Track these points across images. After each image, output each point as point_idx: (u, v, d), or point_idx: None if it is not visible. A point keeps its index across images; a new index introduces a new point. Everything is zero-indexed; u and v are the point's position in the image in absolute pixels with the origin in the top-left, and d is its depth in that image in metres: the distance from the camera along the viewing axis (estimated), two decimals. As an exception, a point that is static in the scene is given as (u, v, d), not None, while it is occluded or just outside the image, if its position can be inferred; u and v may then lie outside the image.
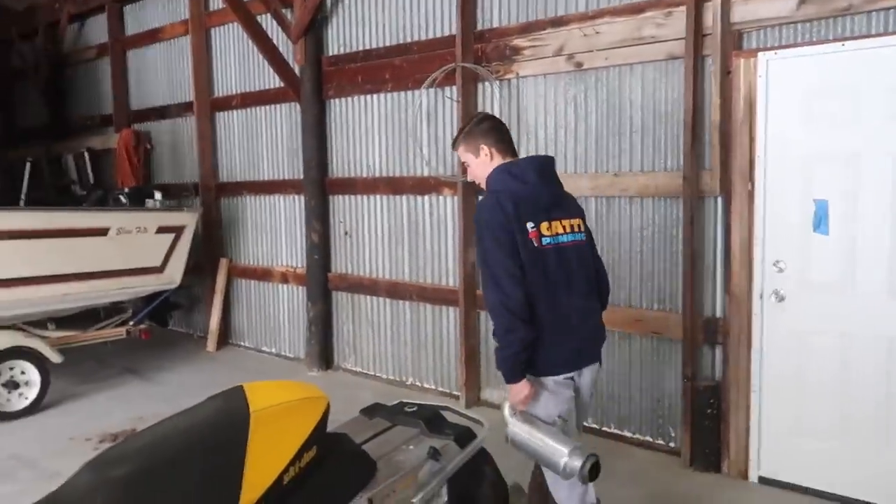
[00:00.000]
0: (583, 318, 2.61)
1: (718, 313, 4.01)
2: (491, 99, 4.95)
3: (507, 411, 2.47)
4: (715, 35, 3.83)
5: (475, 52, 4.93)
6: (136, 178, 7.72)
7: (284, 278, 6.72)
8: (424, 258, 5.55)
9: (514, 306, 2.38)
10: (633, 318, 4.34)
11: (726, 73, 3.82)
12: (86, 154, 8.40)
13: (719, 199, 3.93)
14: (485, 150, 2.68)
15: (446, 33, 5.15)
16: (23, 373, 5.23)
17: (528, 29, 4.65)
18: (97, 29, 8.62)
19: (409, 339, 5.73)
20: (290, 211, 6.63)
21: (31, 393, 5.26)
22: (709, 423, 3.97)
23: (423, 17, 5.30)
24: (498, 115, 4.81)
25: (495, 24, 4.87)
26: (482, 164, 2.69)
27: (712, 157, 3.93)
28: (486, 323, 5.20)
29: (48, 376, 5.34)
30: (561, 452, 2.27)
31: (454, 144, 2.82)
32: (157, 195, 6.67)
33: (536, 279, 2.45)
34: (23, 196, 7.18)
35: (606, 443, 4.45)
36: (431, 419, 2.39)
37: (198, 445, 1.72)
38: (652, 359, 4.35)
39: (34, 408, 5.26)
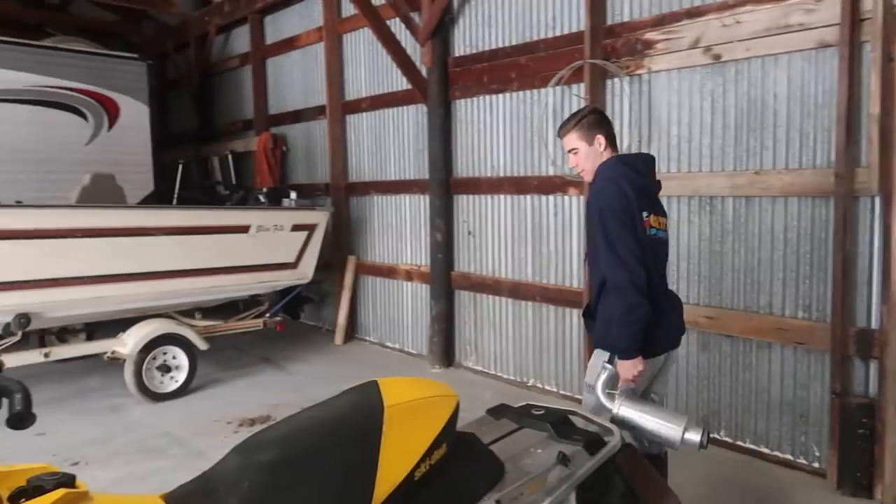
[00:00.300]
0: (672, 306, 2.85)
1: (874, 324, 3.66)
2: (620, 95, 4.81)
3: (601, 389, 2.52)
4: (875, 19, 3.50)
5: (604, 48, 4.80)
6: (272, 179, 8.21)
7: (409, 276, 6.88)
8: (548, 258, 5.48)
9: (641, 284, 2.56)
10: (773, 327, 4.06)
11: (888, 60, 3.47)
12: (229, 156, 9.03)
13: (877, 199, 3.59)
14: (600, 139, 2.79)
15: (574, 30, 5.06)
16: (174, 357, 5.69)
17: (661, 21, 4.46)
18: (240, 39, 9.24)
19: (531, 339, 5.69)
20: (415, 210, 6.77)
21: (181, 376, 5.71)
22: (860, 443, 3.63)
23: (551, 14, 5.23)
24: (628, 112, 4.70)
25: (626, 18, 4.72)
26: (594, 153, 2.79)
27: (870, 153, 3.59)
28: (611, 326, 5.05)
29: (195, 361, 5.78)
30: (677, 427, 2.35)
31: (562, 131, 2.81)
32: (293, 195, 7.03)
33: (645, 264, 2.63)
34: (175, 195, 7.80)
35: (740, 458, 4.20)
36: (560, 423, 2.34)
37: (336, 437, 1.78)
38: (794, 371, 4.04)
39: (182, 390, 5.71)
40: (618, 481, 2.34)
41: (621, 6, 4.75)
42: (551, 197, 5.39)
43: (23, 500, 1.34)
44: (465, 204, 6.19)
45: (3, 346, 4.99)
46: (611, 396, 2.50)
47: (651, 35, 4.52)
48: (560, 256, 5.39)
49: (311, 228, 6.51)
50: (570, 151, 2.84)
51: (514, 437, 2.34)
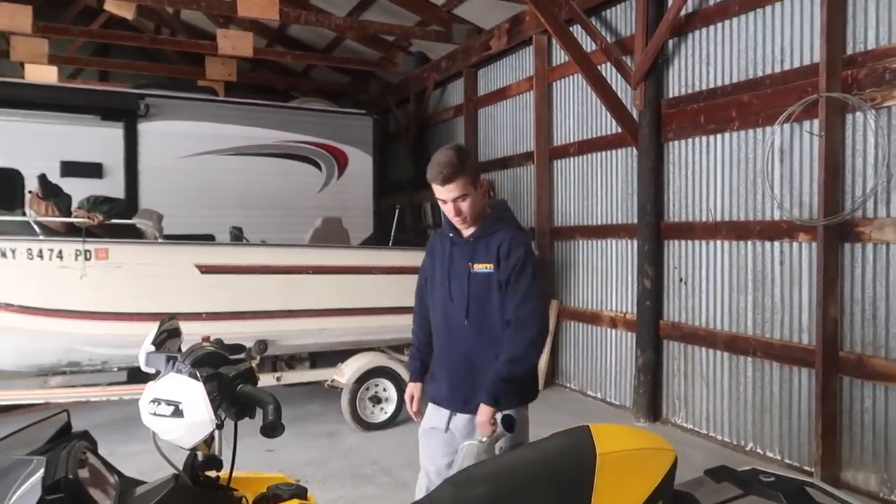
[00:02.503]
0: None
1: None
2: (864, 131, 4.30)
3: (499, 446, 2.46)
4: None
5: (843, 80, 4.35)
6: (480, 223, 8.47)
7: (613, 323, 6.66)
8: (772, 311, 4.99)
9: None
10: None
11: None
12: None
13: None
14: (483, 182, 2.70)
15: (806, 62, 4.66)
16: (384, 390, 6.02)
17: (916, 47, 3.95)
18: (455, 93, 9.80)
19: (750, 399, 5.18)
20: (621, 255, 6.58)
21: (390, 408, 6.01)
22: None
23: (779, 48, 4.87)
24: (873, 150, 4.20)
25: (870, 46, 4.25)
26: (480, 197, 2.65)
27: None
28: (849, 390, 4.46)
29: (403, 395, 6.05)
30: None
31: (449, 176, 2.51)
32: (499, 238, 7.18)
33: None
34: (391, 237, 8.37)
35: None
36: (796, 495, 2.08)
37: (547, 480, 1.74)
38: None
39: (391, 421, 6.00)
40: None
41: (864, 34, 4.29)
42: (777, 243, 4.93)
43: None
44: (676, 249, 5.88)
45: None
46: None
47: (903, 63, 4.01)
48: (786, 309, 4.89)
49: (516, 271, 6.59)
50: (455, 200, 2.55)
51: (739, 503, 2.12)
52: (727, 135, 5.31)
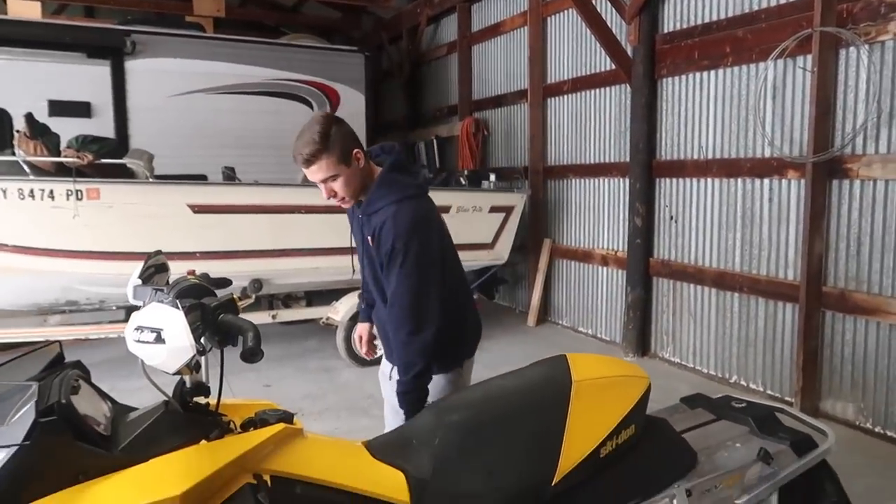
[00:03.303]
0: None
1: None
2: (856, 66, 4.27)
3: None
4: None
5: (838, 14, 4.28)
6: (473, 162, 8.46)
7: (604, 261, 6.73)
8: (759, 247, 5.05)
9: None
10: None
11: None
12: (434, 141, 9.46)
13: None
14: (359, 154, 2.24)
15: (801, -4, 4.57)
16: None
17: (913, -21, 3.88)
18: (448, 29, 9.59)
19: (735, 333, 5.30)
20: (613, 194, 6.60)
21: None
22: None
23: (775, -20, 4.78)
24: (864, 85, 4.18)
25: (867, -21, 4.17)
26: (355, 172, 2.24)
27: None
28: (831, 324, 4.56)
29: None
30: None
31: (310, 160, 2.15)
32: (492, 177, 7.20)
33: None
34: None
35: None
36: (764, 419, 2.18)
37: (523, 406, 1.83)
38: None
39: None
40: (830, 489, 2.13)
41: (861, -35, 4.20)
42: (766, 181, 4.95)
43: (251, 428, 1.55)
44: (667, 187, 5.90)
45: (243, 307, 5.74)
46: None
47: (898, -5, 3.95)
48: (773, 245, 4.95)
49: (508, 210, 6.63)
50: (324, 182, 2.21)
51: (710, 427, 2.23)
52: (720, 71, 5.25)
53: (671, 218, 5.87)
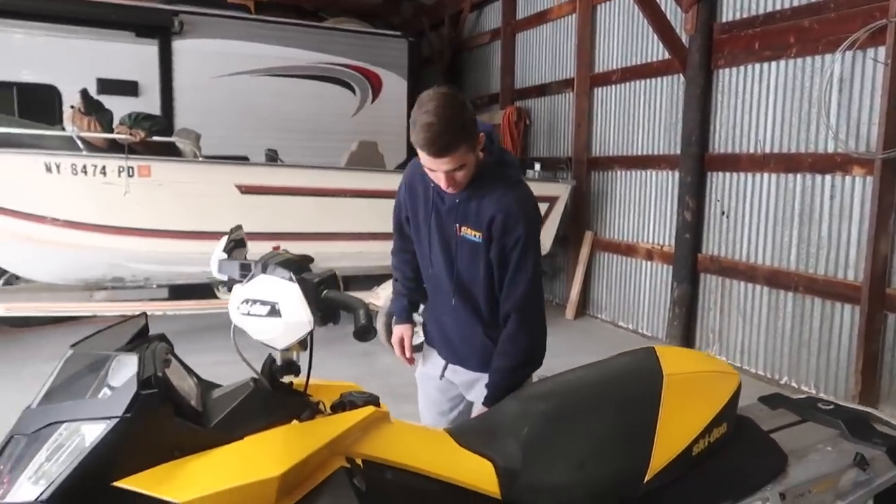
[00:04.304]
0: None
1: None
2: (933, 60, 4.09)
3: None
4: None
5: (915, 4, 4.11)
6: (515, 151, 8.35)
7: (649, 255, 6.60)
8: (818, 246, 4.89)
9: None
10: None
11: None
12: (475, 129, 9.36)
13: None
14: (482, 138, 2.03)
15: (876, -16, 4.39)
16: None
17: None
18: (492, 16, 9.47)
19: (788, 334, 5.15)
20: (661, 187, 6.45)
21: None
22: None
23: (847, -32, 4.59)
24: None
25: (950, -33, 3.98)
26: (477, 157, 2.04)
27: None
28: (894, 327, 4.40)
29: (437, 321, 6.12)
30: None
31: (444, 150, 1.90)
32: (537, 166, 7.09)
33: None
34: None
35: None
36: (856, 422, 2.07)
37: (614, 397, 1.75)
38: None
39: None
40: (925, 499, 2.01)
41: (944, -47, 4.01)
42: (828, 177, 4.79)
43: (340, 410, 1.50)
44: (719, 182, 5.74)
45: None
46: None
47: None
48: (833, 244, 4.79)
49: (551, 201, 6.52)
50: (450, 172, 1.97)
51: (797, 429, 2.13)
52: (783, 62, 5.08)
53: (722, 213, 5.72)
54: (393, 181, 5.79)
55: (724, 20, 5.60)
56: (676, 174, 6.05)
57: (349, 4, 12.61)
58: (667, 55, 6.01)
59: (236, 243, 1.77)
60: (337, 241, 5.48)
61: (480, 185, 2.08)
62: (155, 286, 5.82)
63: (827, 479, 1.89)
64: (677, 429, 1.73)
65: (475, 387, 2.31)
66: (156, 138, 4.99)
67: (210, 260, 1.67)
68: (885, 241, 4.34)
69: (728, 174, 5.64)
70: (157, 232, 4.97)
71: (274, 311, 1.22)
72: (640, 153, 6.72)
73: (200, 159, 5.16)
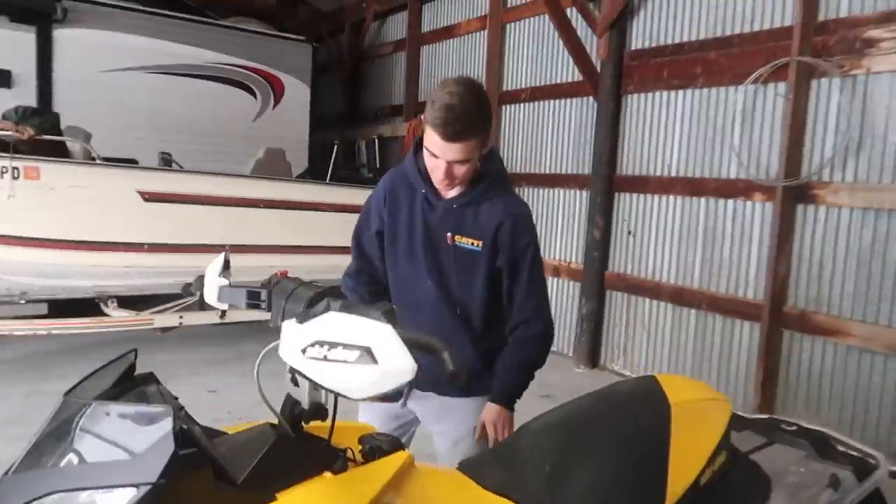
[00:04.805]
0: None
1: None
2: (827, 97, 4.47)
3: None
4: None
5: (813, 46, 4.48)
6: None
7: (556, 272, 6.75)
8: (720, 266, 5.20)
9: None
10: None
11: None
12: (376, 141, 9.22)
13: None
14: (489, 141, 2.02)
15: (777, 24, 4.75)
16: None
17: (890, 18, 4.10)
18: (396, 27, 9.40)
19: (691, 349, 5.43)
20: (569, 205, 6.63)
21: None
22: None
23: (750, 8, 4.94)
24: (835, 116, 4.38)
25: (843, 14, 4.37)
26: (478, 159, 2.00)
27: None
28: (789, 343, 4.75)
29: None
30: None
31: (460, 135, 1.85)
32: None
33: None
34: (329, 174, 8.05)
35: None
36: (820, 443, 2.17)
37: (626, 429, 1.71)
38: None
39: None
40: (884, 514, 2.14)
41: (838, 1, 4.41)
42: (731, 201, 5.11)
43: (370, 457, 1.34)
44: (626, 202, 5.99)
45: (183, 306, 5.29)
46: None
47: (875, 33, 4.16)
48: (734, 265, 5.10)
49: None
50: (453, 163, 1.90)
51: (768, 451, 2.18)
52: (689, 91, 5.38)
53: (629, 232, 5.96)
54: (310, 192, 5.61)
55: (633, 48, 5.86)
56: (585, 193, 6.24)
57: (241, 3, 12.04)
58: (578, 77, 6.20)
59: (224, 265, 1.57)
60: (249, 254, 5.15)
61: (477, 195, 2.04)
62: (23, 301, 5.19)
63: (809, 502, 1.95)
64: (687, 459, 1.71)
65: (450, 417, 2.18)
66: (45, 136, 4.46)
67: (204, 284, 1.47)
68: (784, 263, 4.69)
69: (636, 195, 5.89)
70: (43, 241, 4.43)
71: (367, 357, 1.04)
72: (548, 171, 6.88)
73: (98, 162, 4.67)
